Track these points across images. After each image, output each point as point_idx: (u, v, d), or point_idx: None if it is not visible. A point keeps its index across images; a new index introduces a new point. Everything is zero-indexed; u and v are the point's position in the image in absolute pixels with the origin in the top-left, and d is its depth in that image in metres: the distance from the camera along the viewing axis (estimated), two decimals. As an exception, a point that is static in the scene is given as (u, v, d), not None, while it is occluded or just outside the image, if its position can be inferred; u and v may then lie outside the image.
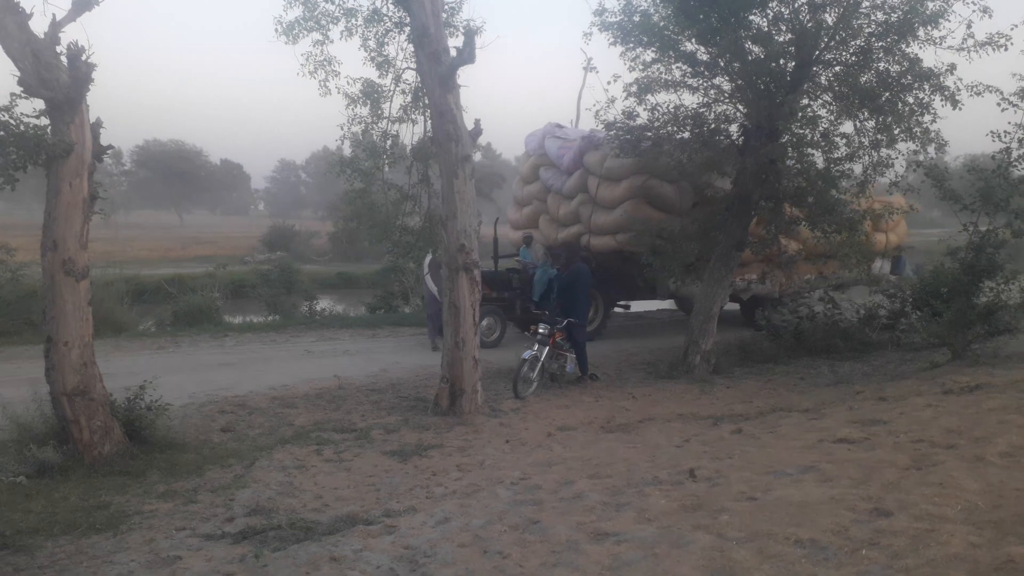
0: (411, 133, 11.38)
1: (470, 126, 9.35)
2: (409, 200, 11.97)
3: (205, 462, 7.09)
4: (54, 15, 6.82)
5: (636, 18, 11.70)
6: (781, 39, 11.12)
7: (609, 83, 12.39)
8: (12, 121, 6.73)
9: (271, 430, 8.39)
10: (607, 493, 5.50)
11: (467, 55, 8.99)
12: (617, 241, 14.39)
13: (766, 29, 11.16)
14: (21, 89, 6.76)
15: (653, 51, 11.89)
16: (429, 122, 10.00)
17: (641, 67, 12.14)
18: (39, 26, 6.82)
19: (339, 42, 10.44)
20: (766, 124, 11.08)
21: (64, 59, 6.83)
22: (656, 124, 12.46)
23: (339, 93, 10.56)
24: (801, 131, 11.16)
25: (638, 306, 18.17)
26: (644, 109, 12.41)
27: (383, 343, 14.50)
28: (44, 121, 6.90)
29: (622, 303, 16.38)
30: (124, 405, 7.30)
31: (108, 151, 7.46)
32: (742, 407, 9.20)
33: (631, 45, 11.94)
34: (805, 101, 11.34)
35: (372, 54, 10.50)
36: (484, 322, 13.79)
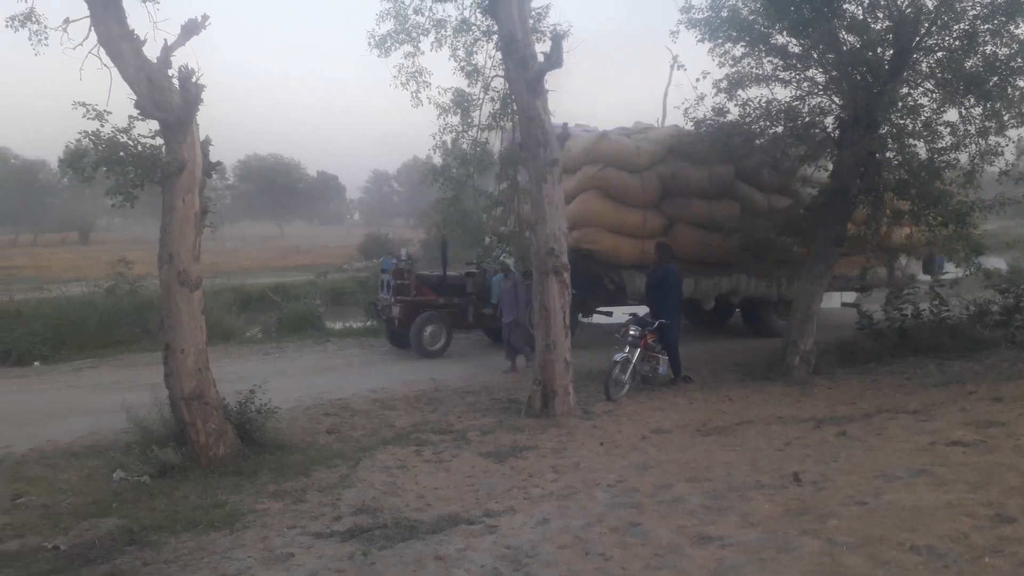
0: (500, 139, 11.53)
1: (558, 130, 9.41)
2: (499, 206, 12.15)
3: (312, 463, 7.36)
4: (165, 40, 7.16)
5: (724, 13, 11.52)
6: (878, 27, 10.71)
7: (698, 80, 12.21)
8: (130, 142, 7.15)
9: (373, 431, 8.64)
10: (707, 497, 5.43)
11: (555, 60, 9.05)
12: (573, 239, 13.24)
13: (861, 17, 10.78)
14: (138, 112, 7.18)
15: (742, 46, 11.67)
16: (517, 128, 10.11)
17: (731, 62, 11.94)
18: (151, 51, 7.23)
19: (429, 53, 10.69)
20: (864, 115, 10.69)
21: (176, 81, 7.21)
22: (748, 120, 12.21)
23: (430, 103, 10.81)
24: (902, 121, 10.74)
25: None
26: (735, 105, 12.19)
27: (474, 346, 14.71)
28: (158, 141, 7.27)
29: (603, 309, 15.12)
30: (236, 408, 7.63)
31: (216, 167, 7.85)
32: (845, 409, 8.89)
33: (719, 41, 11.74)
34: (905, 90, 10.91)
35: (461, 63, 10.70)
36: (427, 330, 13.32)
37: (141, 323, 14.89)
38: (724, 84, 11.93)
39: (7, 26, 7.56)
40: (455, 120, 10.95)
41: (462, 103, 10.80)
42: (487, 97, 10.93)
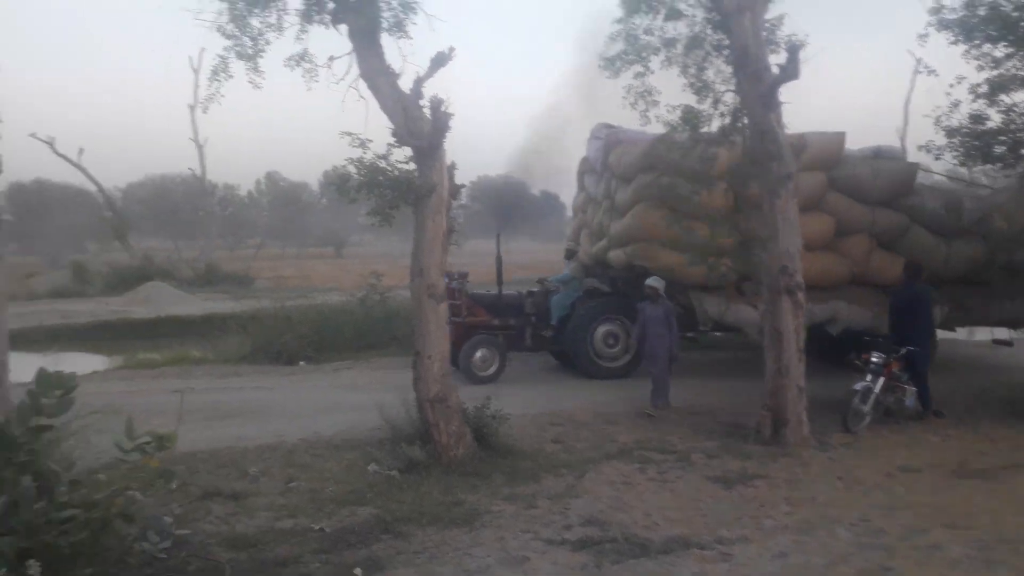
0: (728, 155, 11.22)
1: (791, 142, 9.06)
2: (724, 222, 11.80)
3: (540, 469, 7.66)
4: (417, 72, 7.85)
5: (981, 11, 10.51)
6: None
7: (952, 86, 11.18)
8: (388, 167, 7.92)
9: (596, 445, 8.76)
10: (972, 547, 4.97)
11: (790, 71, 8.74)
12: (626, 254, 12.22)
13: None
14: (394, 139, 7.93)
15: (1004, 46, 10.60)
16: (748, 143, 9.82)
17: (991, 65, 10.85)
18: (402, 83, 7.89)
19: (658, 72, 10.69)
20: None
21: (427, 111, 7.88)
22: (1012, 127, 10.99)
23: (658, 121, 10.80)
24: None
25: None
26: (996, 111, 11.03)
27: (698, 363, 14.28)
28: (411, 166, 7.98)
29: (689, 334, 13.09)
30: (473, 413, 8.12)
31: (462, 189, 8.44)
32: None
33: (976, 42, 10.73)
34: None
35: (691, 80, 10.61)
36: (478, 354, 12.49)
37: (389, 330, 16.16)
38: (984, 89, 10.87)
39: (284, 65, 8.62)
40: (684, 137, 10.84)
41: (691, 120, 10.68)
42: (716, 112, 10.73)
